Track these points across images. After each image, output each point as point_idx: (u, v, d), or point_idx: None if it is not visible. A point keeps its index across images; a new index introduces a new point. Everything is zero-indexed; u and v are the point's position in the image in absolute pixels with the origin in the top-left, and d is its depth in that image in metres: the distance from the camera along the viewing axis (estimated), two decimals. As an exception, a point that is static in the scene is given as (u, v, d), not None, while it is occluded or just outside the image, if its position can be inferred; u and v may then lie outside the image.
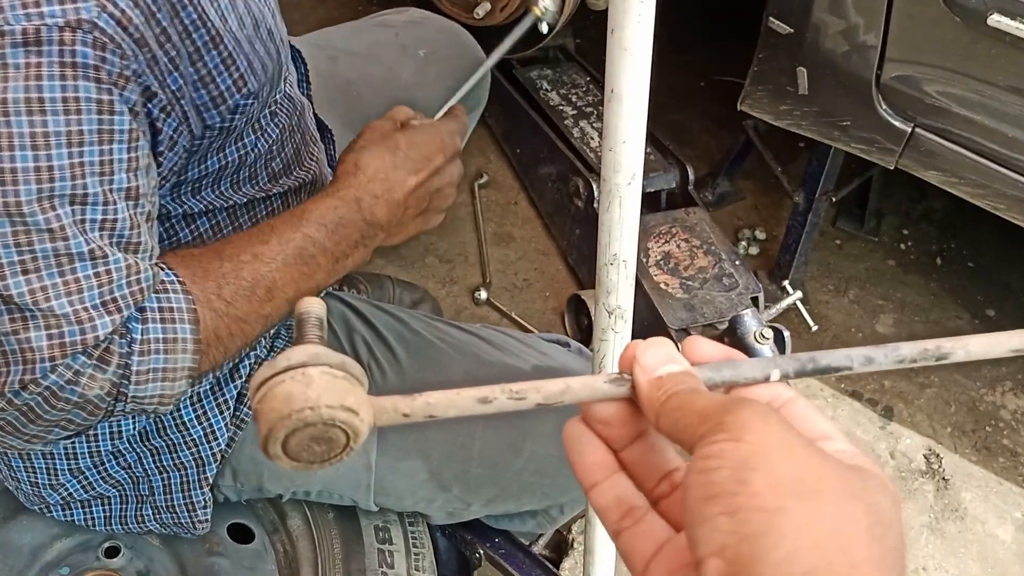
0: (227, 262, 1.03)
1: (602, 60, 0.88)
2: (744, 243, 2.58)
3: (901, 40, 1.73)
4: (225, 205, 1.17)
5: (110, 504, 1.30)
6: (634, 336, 1.03)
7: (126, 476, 1.26)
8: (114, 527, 1.32)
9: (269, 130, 1.19)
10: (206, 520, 1.31)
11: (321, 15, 2.99)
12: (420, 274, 2.45)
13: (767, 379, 0.56)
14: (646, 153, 0.93)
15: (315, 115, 1.41)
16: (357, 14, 1.97)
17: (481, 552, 1.56)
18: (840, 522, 0.46)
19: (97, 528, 1.32)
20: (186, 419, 1.23)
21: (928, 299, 2.50)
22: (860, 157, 1.96)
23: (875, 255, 2.60)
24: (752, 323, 1.92)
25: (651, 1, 0.81)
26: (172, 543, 1.39)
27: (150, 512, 1.29)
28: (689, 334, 2.03)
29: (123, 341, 0.92)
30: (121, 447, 1.23)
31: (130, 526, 1.32)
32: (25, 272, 0.86)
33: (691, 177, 2.34)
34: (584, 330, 2.27)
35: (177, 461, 1.25)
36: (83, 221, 0.88)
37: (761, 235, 2.60)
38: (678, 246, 2.18)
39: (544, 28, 1.59)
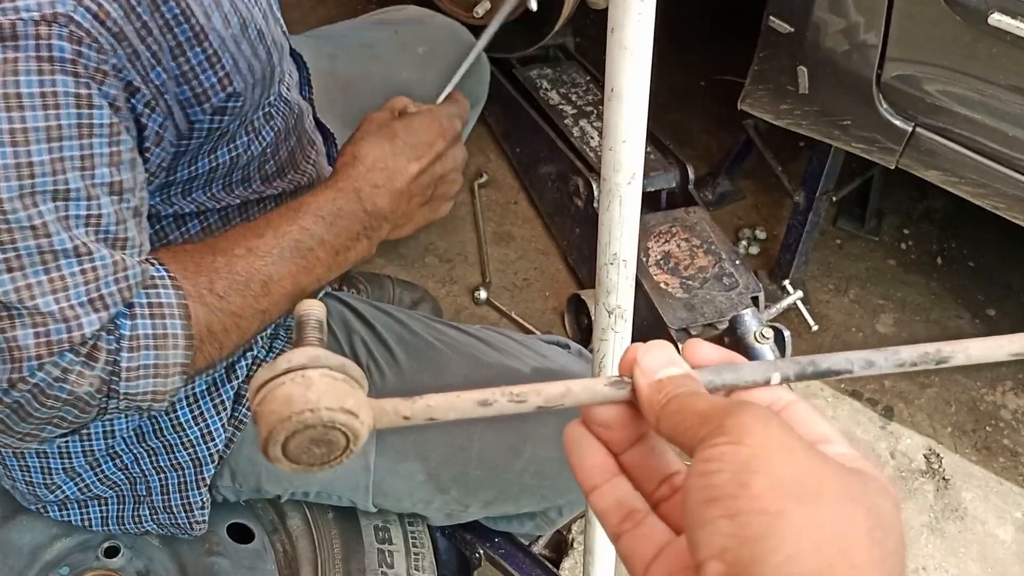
0: (220, 256, 1.02)
1: (602, 59, 0.88)
2: (744, 243, 2.58)
3: (902, 39, 1.73)
4: (217, 207, 1.16)
5: (107, 505, 1.30)
6: (634, 336, 1.03)
7: (123, 477, 1.26)
8: (111, 527, 1.32)
9: (264, 133, 1.18)
10: (203, 521, 1.30)
11: (321, 14, 2.99)
12: (420, 274, 2.45)
13: (767, 382, 0.56)
14: (646, 152, 0.93)
15: (316, 118, 1.41)
16: (356, 13, 1.96)
17: (481, 552, 1.56)
18: (841, 525, 0.46)
19: (94, 528, 1.32)
20: (183, 420, 1.23)
21: (929, 299, 2.50)
22: (861, 156, 1.96)
23: (876, 255, 2.60)
24: (752, 323, 1.92)
25: (651, 0, 0.81)
26: (172, 543, 1.39)
27: (147, 512, 1.29)
28: (689, 333, 2.03)
29: (111, 338, 0.91)
30: (118, 448, 1.23)
31: (127, 526, 1.31)
32: (9, 270, 0.85)
33: (691, 176, 2.34)
34: (584, 330, 2.27)
35: (174, 462, 1.25)
36: (67, 217, 0.87)
37: (761, 234, 2.60)
38: (678, 246, 2.18)
39: (533, 5, 1.59)
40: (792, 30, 1.86)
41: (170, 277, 0.96)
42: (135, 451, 1.24)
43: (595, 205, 2.22)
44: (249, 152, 1.16)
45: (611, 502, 0.57)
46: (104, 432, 1.21)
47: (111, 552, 1.37)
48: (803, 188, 2.28)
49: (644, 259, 2.14)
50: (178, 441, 1.24)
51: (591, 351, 1.08)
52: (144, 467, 1.26)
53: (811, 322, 2.32)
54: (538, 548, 1.89)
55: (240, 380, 1.27)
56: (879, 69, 1.79)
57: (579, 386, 0.55)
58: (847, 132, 1.92)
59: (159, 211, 1.11)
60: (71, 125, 0.85)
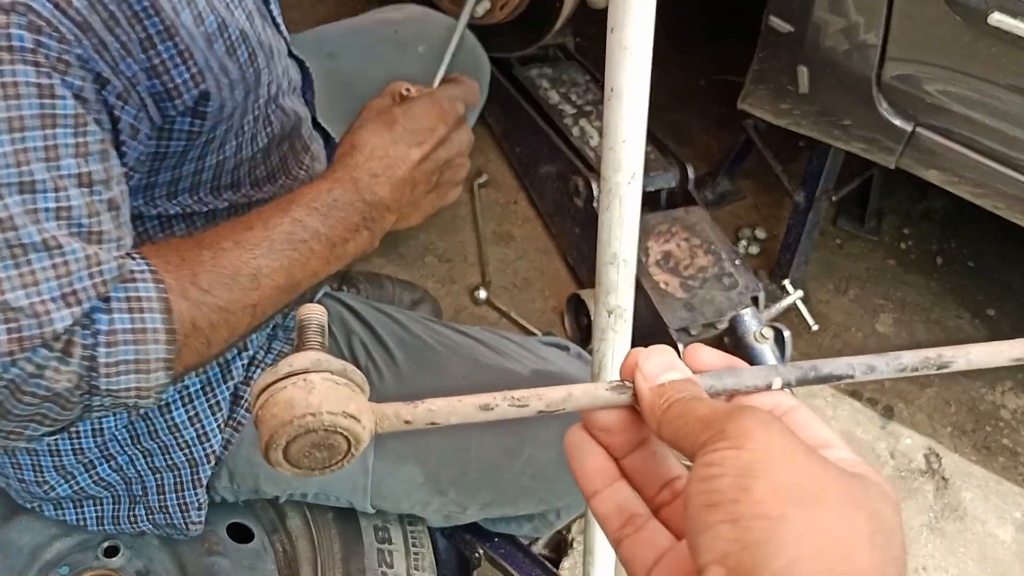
0: (207, 250, 0.99)
1: (602, 59, 0.88)
2: (744, 242, 2.58)
3: (902, 39, 1.73)
4: (203, 210, 1.14)
5: (102, 505, 1.29)
6: (634, 335, 1.03)
7: (118, 478, 1.26)
8: (106, 527, 1.31)
9: (258, 138, 1.17)
10: (200, 522, 1.30)
11: (320, 13, 2.99)
12: (420, 273, 2.44)
13: (769, 387, 0.56)
14: (646, 152, 0.92)
15: (316, 122, 1.40)
16: (356, 12, 1.96)
17: (481, 552, 1.56)
18: (842, 530, 0.46)
19: (90, 528, 1.32)
20: (178, 421, 1.23)
21: (928, 298, 2.50)
22: (861, 156, 1.96)
23: (875, 254, 2.60)
24: (752, 322, 1.93)
25: (651, 0, 0.81)
26: (171, 543, 1.38)
27: (143, 512, 1.29)
28: (689, 333, 2.03)
29: (86, 333, 0.89)
30: (112, 450, 1.23)
31: (123, 526, 1.31)
32: None
33: (691, 176, 2.34)
34: (584, 330, 2.27)
35: (170, 462, 1.25)
36: (35, 211, 0.85)
37: (761, 234, 2.60)
38: (678, 245, 2.18)
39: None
40: (792, 30, 1.86)
41: (151, 271, 0.94)
42: (130, 452, 1.24)
43: (595, 205, 2.22)
44: (238, 156, 1.15)
45: (612, 507, 0.57)
46: (93, 430, 1.20)
47: (111, 552, 1.37)
48: (803, 188, 2.28)
49: (644, 259, 2.14)
50: (173, 442, 1.24)
51: (591, 351, 1.08)
52: (140, 468, 1.25)
53: (811, 322, 2.32)
54: (538, 548, 1.89)
55: (236, 381, 1.26)
56: (879, 69, 1.79)
57: (581, 390, 0.55)
58: (847, 132, 1.92)
59: (143, 212, 1.09)
60: (34, 116, 0.83)
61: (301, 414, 0.51)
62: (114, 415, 1.20)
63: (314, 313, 0.58)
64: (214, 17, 1.01)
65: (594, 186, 2.23)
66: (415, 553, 1.43)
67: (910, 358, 0.55)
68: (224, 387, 1.25)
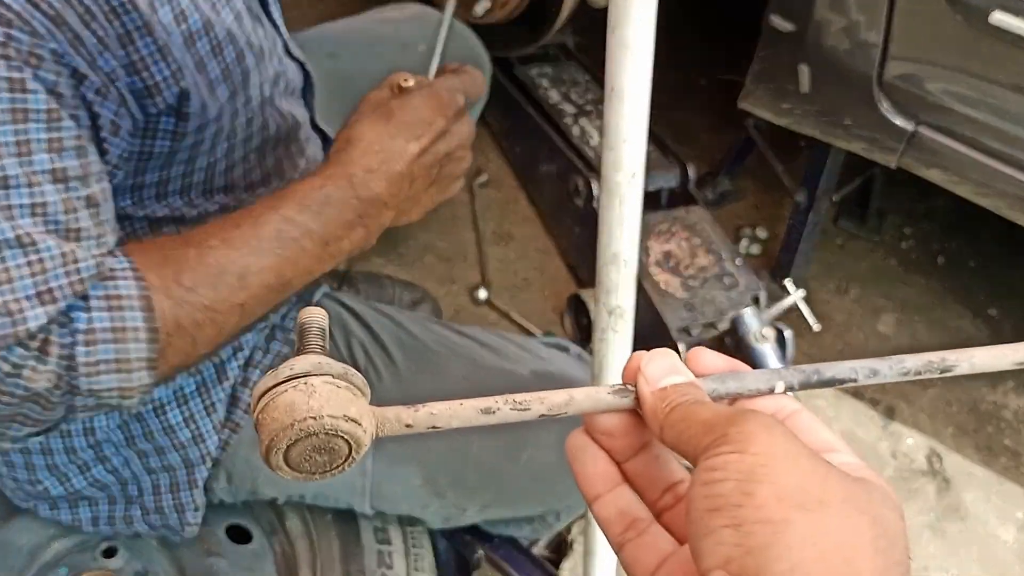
0: (192, 248, 0.97)
1: (602, 58, 0.88)
2: (745, 242, 2.58)
3: (903, 38, 1.73)
4: (193, 213, 1.13)
5: (97, 505, 1.29)
6: (634, 335, 1.03)
7: (113, 479, 1.26)
8: (101, 527, 1.31)
9: (253, 140, 1.16)
10: (196, 523, 1.30)
11: (320, 12, 2.99)
12: (419, 273, 2.44)
13: (771, 391, 0.55)
14: (646, 151, 0.92)
15: (314, 124, 1.40)
16: (355, 11, 1.96)
17: (481, 553, 1.55)
18: (845, 534, 0.45)
19: (84, 529, 1.31)
20: (173, 422, 1.22)
21: (930, 298, 2.50)
22: (862, 156, 1.96)
23: (877, 254, 2.60)
24: (753, 322, 1.92)
25: (651, -1, 0.81)
26: (170, 544, 1.38)
27: (138, 513, 1.29)
28: (690, 333, 2.03)
29: (64, 332, 0.88)
30: (107, 452, 1.23)
31: (118, 527, 1.31)
32: None
33: (692, 175, 2.34)
34: (584, 330, 2.27)
35: (165, 463, 1.25)
36: (8, 207, 0.84)
37: (762, 234, 2.60)
38: (679, 245, 2.18)
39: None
40: (793, 29, 1.86)
41: (132, 269, 0.92)
42: (125, 454, 1.24)
43: (595, 204, 2.21)
44: (230, 159, 1.14)
45: (614, 511, 0.57)
46: (85, 430, 1.20)
47: (109, 553, 1.37)
48: (804, 187, 2.28)
49: (644, 258, 2.14)
50: (168, 444, 1.23)
51: (591, 351, 1.08)
52: (135, 469, 1.25)
53: (812, 322, 2.32)
54: (538, 549, 1.89)
55: (231, 383, 1.26)
56: (880, 68, 1.79)
57: (582, 394, 0.55)
58: (848, 131, 1.92)
59: (131, 213, 1.08)
60: (4, 110, 0.83)
61: (302, 418, 0.51)
62: (106, 415, 1.19)
63: (315, 316, 0.58)
64: (198, 16, 0.99)
65: (594, 186, 2.23)
66: (414, 554, 1.43)
67: (913, 362, 0.54)
68: (219, 388, 1.24)
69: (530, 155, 2.58)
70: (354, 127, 1.08)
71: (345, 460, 0.54)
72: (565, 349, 1.51)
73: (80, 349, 0.88)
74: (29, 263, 0.84)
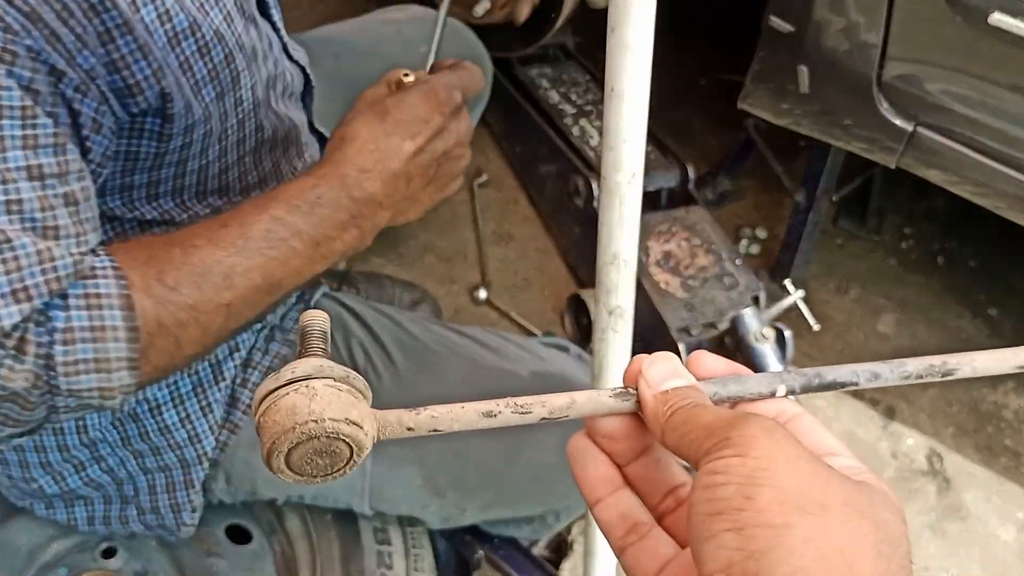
0: (177, 247, 0.96)
1: (602, 58, 0.88)
2: (745, 242, 2.58)
3: (902, 38, 1.73)
4: (184, 216, 1.12)
5: (92, 505, 1.29)
6: (634, 335, 1.03)
7: (108, 479, 1.26)
8: (97, 527, 1.31)
9: (247, 143, 1.15)
10: (192, 524, 1.29)
11: (320, 13, 2.99)
12: (419, 273, 2.44)
13: (773, 394, 0.55)
14: (646, 152, 0.92)
15: (312, 126, 1.40)
16: (356, 11, 1.96)
17: (481, 553, 1.56)
18: (846, 538, 0.45)
19: (80, 528, 1.31)
20: (169, 423, 1.22)
21: (930, 298, 2.50)
22: (861, 156, 1.96)
23: (876, 254, 2.60)
24: (753, 322, 1.92)
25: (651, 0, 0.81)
26: (170, 544, 1.38)
27: (134, 513, 1.29)
28: (690, 333, 2.03)
29: (41, 330, 0.86)
30: (103, 452, 1.23)
31: (113, 527, 1.30)
32: None
33: (691, 176, 2.34)
34: (584, 330, 2.27)
35: (161, 463, 1.25)
36: None
37: (762, 234, 2.60)
38: (678, 245, 2.18)
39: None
40: (792, 29, 1.85)
41: (113, 267, 0.91)
42: (120, 454, 1.23)
43: (595, 204, 2.21)
44: (224, 161, 1.13)
45: (615, 515, 0.57)
46: (78, 427, 1.19)
47: (109, 553, 1.37)
48: (804, 187, 2.28)
49: (644, 259, 2.14)
50: (165, 444, 1.23)
51: (591, 351, 1.08)
52: (130, 469, 1.25)
53: (812, 322, 2.32)
54: (538, 550, 1.89)
55: (227, 383, 1.25)
56: (880, 68, 1.79)
57: (584, 397, 0.55)
58: (848, 131, 1.92)
59: (121, 215, 1.07)
60: None
61: (303, 421, 0.51)
62: (99, 414, 1.19)
63: (317, 319, 0.58)
64: (184, 16, 0.98)
65: (594, 186, 2.23)
66: (414, 555, 1.43)
67: (914, 365, 0.54)
68: (215, 389, 1.24)
69: (530, 155, 2.59)
70: (349, 125, 1.06)
71: (347, 463, 0.54)
72: (565, 349, 1.51)
73: (58, 348, 0.87)
74: (3, 260, 0.83)
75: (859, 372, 0.55)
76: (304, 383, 0.52)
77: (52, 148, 0.87)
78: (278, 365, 1.29)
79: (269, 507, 1.42)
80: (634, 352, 0.96)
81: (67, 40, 0.87)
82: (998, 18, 1.56)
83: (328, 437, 0.52)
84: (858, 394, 2.28)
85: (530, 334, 2.29)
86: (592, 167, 2.27)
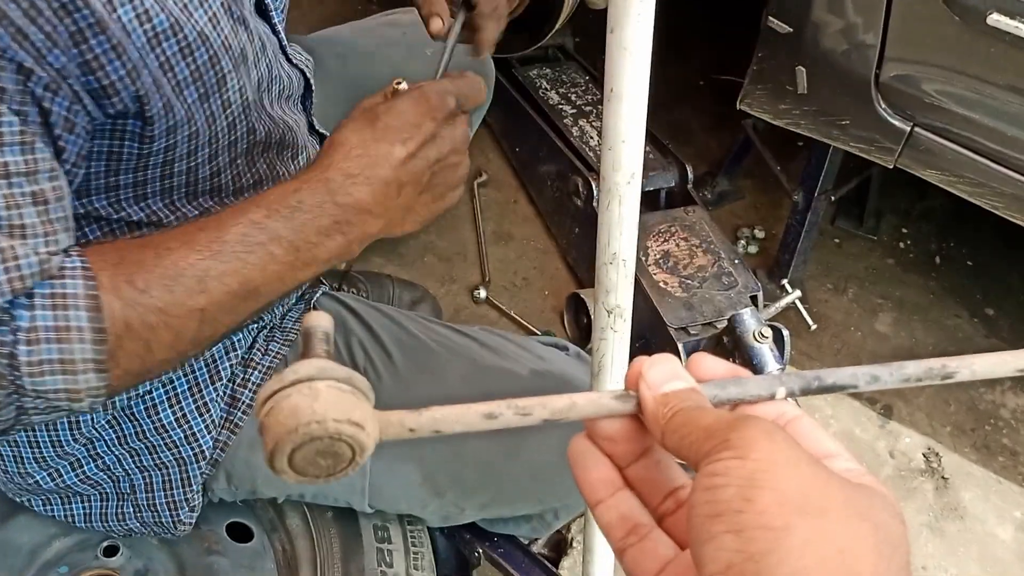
0: (150, 250, 0.93)
1: (601, 59, 0.88)
2: (743, 242, 2.59)
3: (900, 39, 1.74)
4: (173, 218, 1.11)
5: (89, 501, 1.29)
6: (633, 335, 1.03)
7: (105, 477, 1.26)
8: (94, 524, 1.31)
9: (238, 145, 1.14)
10: (189, 522, 1.30)
11: (320, 13, 2.99)
12: (419, 273, 2.45)
13: (772, 396, 0.56)
14: (645, 152, 0.92)
15: (315, 129, 1.39)
16: (356, 12, 1.97)
17: (480, 551, 1.56)
18: (846, 540, 0.46)
19: (77, 524, 1.31)
20: (165, 422, 1.22)
21: (927, 298, 2.51)
22: (859, 156, 1.96)
23: (874, 254, 2.60)
24: (751, 322, 1.92)
25: (651, 0, 0.81)
26: (170, 542, 1.39)
27: (131, 510, 1.29)
28: (688, 332, 2.03)
29: (5, 329, 0.85)
30: (100, 450, 1.23)
31: (110, 524, 1.31)
32: None
33: (690, 176, 2.35)
34: (583, 329, 2.27)
35: (158, 461, 1.25)
36: None
37: (760, 234, 2.60)
38: (677, 245, 2.18)
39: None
40: (791, 30, 1.86)
41: (84, 268, 0.89)
42: (117, 452, 1.24)
43: (594, 204, 2.22)
44: (214, 163, 1.12)
45: (615, 516, 0.57)
46: (70, 423, 1.19)
47: (110, 551, 1.37)
48: (802, 187, 2.28)
49: (643, 258, 2.14)
50: (161, 442, 1.23)
51: (590, 351, 1.08)
52: (127, 467, 1.25)
53: (810, 321, 2.33)
54: (537, 548, 1.89)
55: (226, 381, 1.25)
56: (877, 69, 1.79)
57: (584, 399, 0.55)
58: (846, 132, 1.92)
59: (107, 215, 1.07)
60: None
61: (306, 422, 0.51)
62: (92, 413, 1.19)
63: (320, 321, 0.58)
64: (164, 16, 0.96)
65: (593, 186, 2.23)
66: (414, 553, 1.43)
67: (914, 368, 0.55)
68: (212, 388, 1.24)
69: (530, 155, 2.59)
70: (339, 131, 1.03)
71: (349, 464, 0.54)
72: (564, 348, 1.51)
73: (22, 348, 0.85)
74: None
75: (859, 375, 0.55)
76: (307, 384, 0.52)
77: (19, 146, 0.86)
78: (278, 365, 1.29)
79: (270, 505, 1.43)
80: (633, 351, 0.97)
81: (35, 39, 0.85)
82: (996, 19, 1.56)
83: (330, 438, 0.52)
84: (856, 393, 2.28)
85: (530, 333, 2.30)
86: (591, 167, 2.28)
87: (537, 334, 2.28)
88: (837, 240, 2.62)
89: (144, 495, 1.27)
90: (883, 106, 1.83)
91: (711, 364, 0.57)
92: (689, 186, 2.34)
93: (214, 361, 1.25)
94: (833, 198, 2.35)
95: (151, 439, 1.23)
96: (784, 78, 1.93)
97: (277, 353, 1.30)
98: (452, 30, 1.32)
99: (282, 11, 1.28)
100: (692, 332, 2.04)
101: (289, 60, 1.29)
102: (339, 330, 1.37)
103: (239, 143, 1.14)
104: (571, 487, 0.59)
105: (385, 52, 1.73)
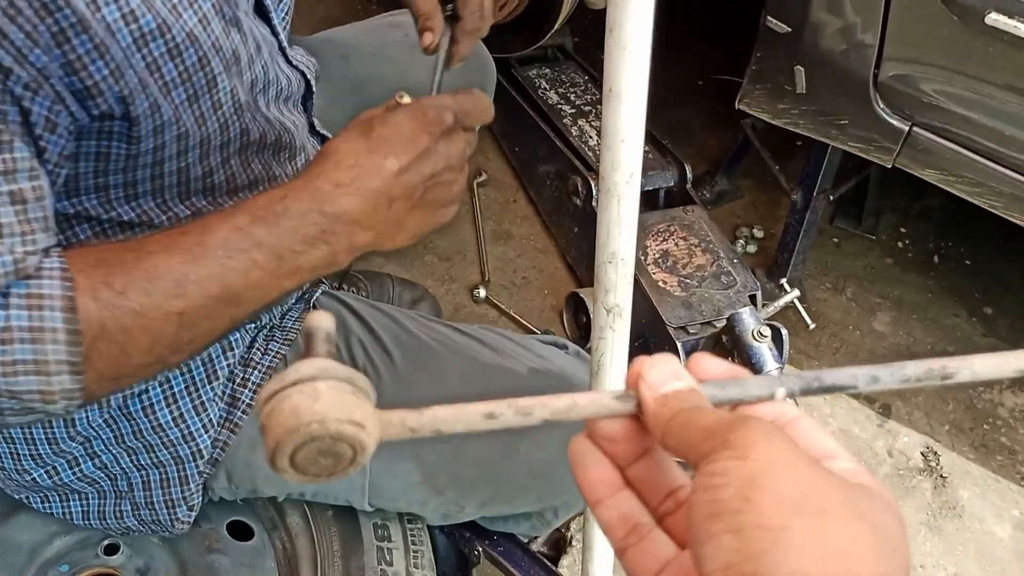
0: (130, 252, 0.92)
1: (600, 59, 0.88)
2: (742, 241, 2.59)
3: (899, 39, 1.74)
4: (164, 218, 1.10)
5: (87, 499, 1.30)
6: (632, 334, 1.03)
7: (103, 475, 1.26)
8: (92, 522, 1.31)
9: (231, 146, 1.13)
10: (187, 521, 1.30)
11: (320, 14, 2.99)
12: (419, 272, 2.45)
13: (772, 397, 0.56)
14: (644, 151, 0.92)
15: (315, 130, 1.39)
16: (357, 13, 1.97)
17: (480, 550, 1.56)
18: (845, 540, 0.46)
19: (75, 522, 1.32)
20: (162, 421, 1.22)
21: (926, 297, 2.51)
22: (858, 156, 1.97)
23: (873, 253, 2.61)
24: (750, 321, 1.93)
25: (650, 0, 0.81)
26: (171, 540, 1.39)
27: (128, 508, 1.29)
28: (687, 332, 2.03)
29: None
30: (97, 449, 1.23)
31: (108, 522, 1.31)
32: None
33: (689, 175, 2.35)
34: (583, 328, 2.27)
35: (155, 460, 1.25)
36: None
37: (759, 233, 2.61)
38: (676, 244, 2.19)
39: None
40: (789, 30, 1.86)
41: (61, 269, 0.88)
42: (115, 451, 1.24)
43: (594, 204, 2.22)
44: (206, 164, 1.11)
45: (616, 516, 0.57)
46: (65, 421, 1.19)
47: (111, 550, 1.37)
48: (800, 187, 2.28)
49: (642, 258, 2.15)
50: (158, 441, 1.23)
51: (589, 350, 1.08)
52: (124, 465, 1.25)
53: (808, 320, 2.33)
54: (537, 546, 1.90)
55: (221, 382, 1.25)
56: (876, 69, 1.80)
57: (585, 399, 0.56)
58: (844, 131, 1.92)
59: (97, 215, 1.06)
60: None
61: (307, 422, 0.51)
62: (87, 410, 1.19)
63: (322, 321, 0.58)
64: (151, 17, 0.94)
65: (592, 185, 2.24)
66: (414, 551, 1.43)
67: (914, 369, 0.55)
68: (209, 388, 1.24)
69: (529, 155, 2.59)
70: (335, 141, 1.02)
71: (349, 463, 0.54)
72: (564, 347, 1.51)
73: None
74: None
75: (858, 375, 0.55)
76: (308, 384, 0.53)
77: None
78: (279, 365, 1.29)
79: (270, 504, 1.43)
80: (632, 351, 0.97)
81: (15, 38, 0.84)
82: (995, 18, 1.57)
83: (331, 438, 0.52)
84: (855, 392, 2.28)
85: (529, 332, 2.30)
86: (591, 167, 2.28)
87: (537, 333, 2.28)
88: (836, 239, 2.63)
89: (141, 493, 1.27)
90: (882, 106, 1.83)
91: (711, 364, 0.57)
92: (688, 185, 2.35)
93: (211, 361, 1.25)
94: (832, 197, 2.35)
95: (148, 438, 1.23)
96: (783, 78, 1.93)
97: (277, 353, 1.30)
98: (440, 44, 1.31)
99: (284, 12, 1.28)
100: (691, 331, 2.04)
101: (289, 61, 1.28)
102: (339, 329, 1.37)
103: (231, 144, 1.13)
104: (570, 485, 0.59)
105: (387, 53, 1.73)
